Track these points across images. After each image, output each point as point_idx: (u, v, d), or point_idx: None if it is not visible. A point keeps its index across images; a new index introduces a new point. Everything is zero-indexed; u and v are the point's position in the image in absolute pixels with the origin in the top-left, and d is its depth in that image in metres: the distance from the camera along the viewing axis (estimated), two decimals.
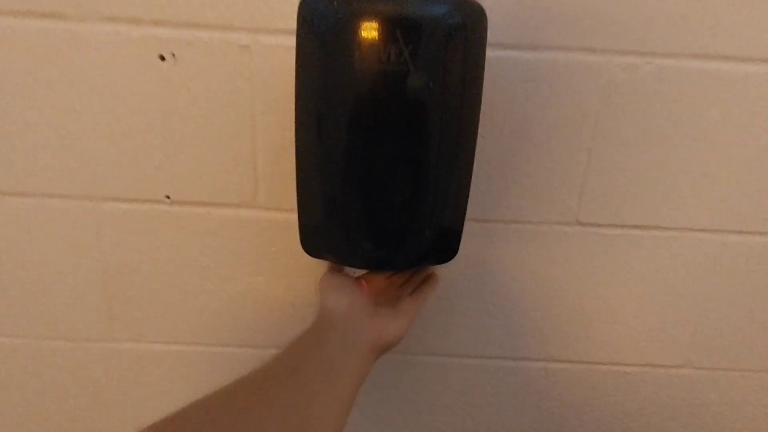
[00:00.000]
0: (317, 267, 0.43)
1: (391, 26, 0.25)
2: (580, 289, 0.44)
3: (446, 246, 0.34)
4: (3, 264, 0.43)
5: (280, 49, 0.37)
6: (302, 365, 0.27)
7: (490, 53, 0.32)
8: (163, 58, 0.37)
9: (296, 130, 0.31)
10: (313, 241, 0.33)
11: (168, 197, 0.41)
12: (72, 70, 0.38)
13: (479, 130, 0.32)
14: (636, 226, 0.42)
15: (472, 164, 0.33)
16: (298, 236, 0.35)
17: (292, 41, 0.29)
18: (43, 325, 0.45)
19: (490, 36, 0.30)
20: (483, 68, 0.30)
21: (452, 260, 0.36)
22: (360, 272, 0.37)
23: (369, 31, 0.25)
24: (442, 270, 0.43)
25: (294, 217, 0.39)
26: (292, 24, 0.28)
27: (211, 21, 0.36)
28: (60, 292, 0.44)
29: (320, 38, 0.26)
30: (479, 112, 0.32)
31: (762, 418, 0.49)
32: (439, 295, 0.44)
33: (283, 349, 0.29)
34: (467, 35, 0.27)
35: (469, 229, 0.40)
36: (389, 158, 0.30)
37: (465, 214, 0.35)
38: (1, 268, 0.43)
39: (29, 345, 0.46)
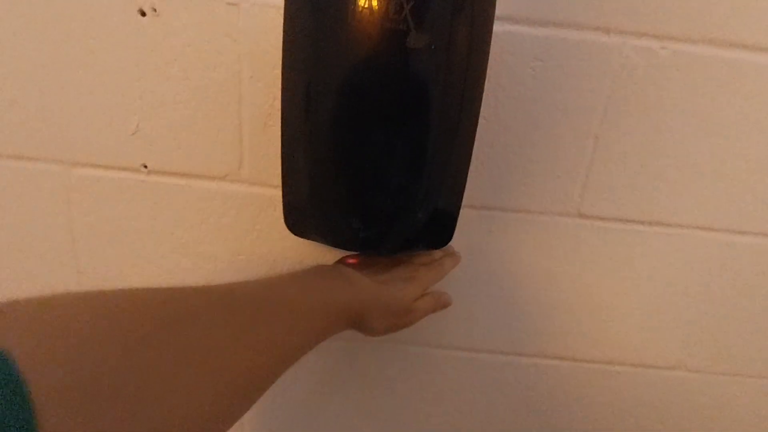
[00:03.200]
0: (303, 249, 0.41)
1: None
2: (577, 284, 0.42)
3: (440, 230, 0.32)
4: None
5: (272, 9, 0.34)
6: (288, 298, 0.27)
7: (496, 27, 0.29)
8: (143, 14, 0.34)
9: (282, 96, 0.29)
10: (297, 219, 0.31)
11: (145, 166, 0.38)
12: (43, 22, 0.34)
13: (481, 110, 0.30)
14: (639, 221, 0.40)
15: (472, 143, 0.31)
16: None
17: None
18: (8, 295, 0.42)
19: (498, 8, 0.28)
20: (490, 38, 0.28)
21: (446, 246, 0.34)
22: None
23: None
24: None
25: (280, 193, 0.36)
26: None
27: None
28: (25, 262, 0.41)
29: None
30: (483, 87, 0.29)
31: (754, 424, 0.48)
32: None
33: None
34: None
35: (465, 215, 0.38)
36: (382, 131, 0.27)
37: (462, 197, 0.33)
38: None
39: None
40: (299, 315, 0.26)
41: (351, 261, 0.33)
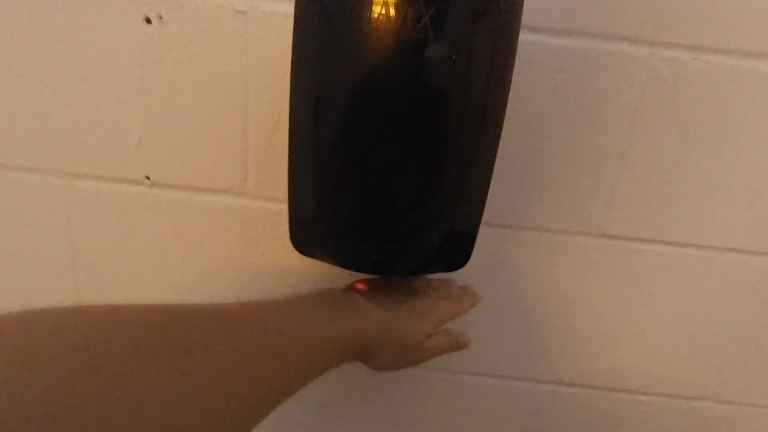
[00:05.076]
0: (310, 266, 0.39)
1: None
2: (599, 308, 0.40)
3: (457, 252, 0.30)
4: None
5: (281, 17, 0.32)
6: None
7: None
8: (149, 21, 0.33)
9: (290, 108, 0.27)
10: (304, 237, 0.29)
11: (148, 178, 0.37)
12: (45, 30, 0.33)
13: None
14: (667, 242, 0.38)
15: (493, 161, 0.29)
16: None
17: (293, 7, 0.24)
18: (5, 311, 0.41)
19: None
20: (515, 48, 0.26)
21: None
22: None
23: None
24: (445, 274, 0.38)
25: (286, 208, 0.35)
26: None
27: None
28: (23, 277, 0.40)
29: None
30: (507, 101, 0.27)
31: None
32: None
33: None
34: (501, 5, 0.23)
35: (480, 232, 0.36)
36: (396, 147, 0.25)
37: (480, 218, 0.30)
38: None
39: None
40: (301, 347, 0.25)
41: (360, 287, 0.31)
